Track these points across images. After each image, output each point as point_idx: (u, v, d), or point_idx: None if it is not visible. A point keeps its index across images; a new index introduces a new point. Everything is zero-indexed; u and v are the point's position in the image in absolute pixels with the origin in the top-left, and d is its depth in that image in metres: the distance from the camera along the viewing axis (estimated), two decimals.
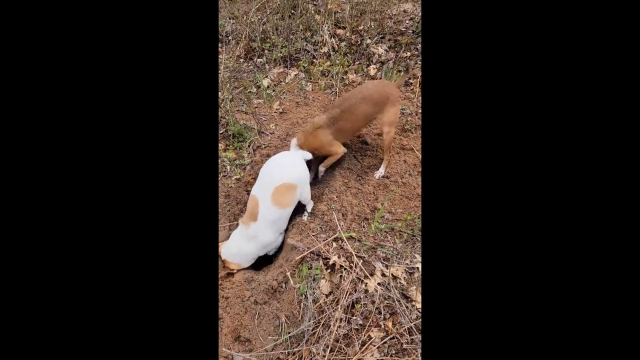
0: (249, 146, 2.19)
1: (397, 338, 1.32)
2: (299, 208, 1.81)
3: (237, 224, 1.73)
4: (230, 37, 2.95)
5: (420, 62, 2.53)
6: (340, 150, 1.87)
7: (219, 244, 1.72)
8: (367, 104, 1.78)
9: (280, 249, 1.79)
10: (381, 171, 1.95)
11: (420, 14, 2.78)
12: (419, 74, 2.48)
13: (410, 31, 2.73)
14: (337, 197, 1.84)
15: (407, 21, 2.84)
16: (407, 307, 1.39)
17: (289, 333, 1.40)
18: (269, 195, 1.60)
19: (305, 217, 1.77)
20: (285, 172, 1.63)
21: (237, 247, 1.66)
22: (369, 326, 1.37)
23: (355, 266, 1.51)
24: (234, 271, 1.68)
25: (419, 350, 1.26)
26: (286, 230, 1.78)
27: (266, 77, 2.69)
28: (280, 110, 2.45)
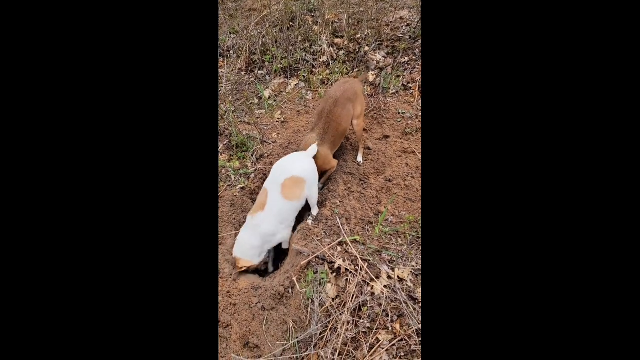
0: (252, 155, 2.23)
1: (405, 340, 1.32)
2: (302, 213, 1.83)
3: (245, 219, 1.77)
4: (231, 51, 3.03)
5: (420, 66, 2.57)
6: (335, 163, 1.98)
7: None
8: (342, 104, 1.88)
9: (285, 254, 1.80)
10: (360, 159, 2.13)
11: (416, 20, 2.83)
12: (418, 78, 2.51)
13: (408, 37, 2.77)
14: (340, 201, 1.86)
15: (404, 27, 2.89)
16: (414, 308, 1.39)
17: (297, 338, 1.40)
18: (278, 187, 1.69)
19: (309, 222, 1.79)
20: (295, 166, 1.72)
21: (244, 241, 1.71)
22: (376, 329, 1.36)
23: (361, 269, 1.52)
24: (245, 269, 1.71)
25: None
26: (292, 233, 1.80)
27: (267, 88, 2.75)
28: (282, 119, 2.50)
